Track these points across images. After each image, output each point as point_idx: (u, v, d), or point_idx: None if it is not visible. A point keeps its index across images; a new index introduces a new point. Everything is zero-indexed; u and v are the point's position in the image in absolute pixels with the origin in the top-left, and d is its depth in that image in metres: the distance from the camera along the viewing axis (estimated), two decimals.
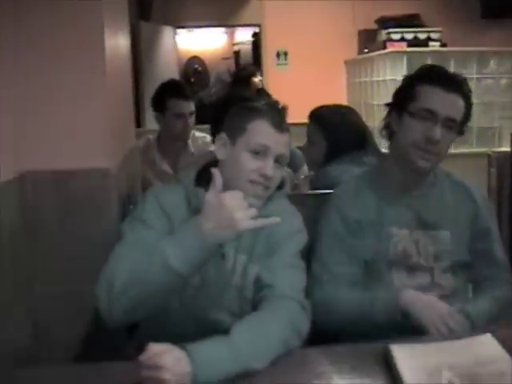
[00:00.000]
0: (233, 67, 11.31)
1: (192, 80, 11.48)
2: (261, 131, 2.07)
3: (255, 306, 2.03)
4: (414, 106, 2.26)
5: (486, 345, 1.82)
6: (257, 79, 6.21)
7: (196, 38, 11.68)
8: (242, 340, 1.78)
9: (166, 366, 1.63)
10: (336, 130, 3.14)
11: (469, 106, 2.30)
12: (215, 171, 1.89)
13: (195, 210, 2.01)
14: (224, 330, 1.80)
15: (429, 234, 2.36)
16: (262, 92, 5.96)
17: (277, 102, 2.22)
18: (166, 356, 1.66)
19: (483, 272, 2.42)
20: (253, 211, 1.84)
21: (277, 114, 2.12)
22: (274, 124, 2.08)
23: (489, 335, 1.86)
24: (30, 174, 2.65)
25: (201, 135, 4.28)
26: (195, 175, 2.18)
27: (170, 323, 2.10)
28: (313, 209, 2.52)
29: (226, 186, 1.93)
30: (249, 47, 10.82)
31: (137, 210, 2.15)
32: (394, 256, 2.32)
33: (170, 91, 4.11)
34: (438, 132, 2.22)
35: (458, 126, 2.28)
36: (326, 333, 2.20)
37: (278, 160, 2.08)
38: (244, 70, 6.46)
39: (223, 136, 2.13)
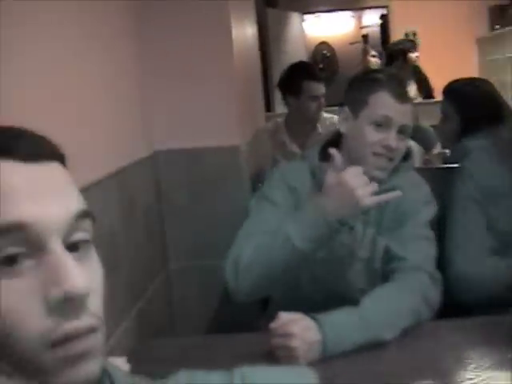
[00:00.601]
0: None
1: (321, 66, 11.46)
2: (382, 103, 2.05)
3: (385, 278, 2.02)
4: None
5: None
6: (413, 55, 6.02)
7: (323, 24, 11.65)
8: (372, 310, 1.78)
9: (295, 334, 1.66)
10: (470, 103, 2.95)
11: None
12: (334, 151, 1.89)
13: (320, 183, 2.02)
14: (352, 303, 1.81)
15: None
16: (417, 69, 5.83)
17: (398, 73, 2.19)
18: (296, 324, 1.69)
19: None
20: (374, 187, 1.84)
21: (397, 84, 2.09)
22: (396, 95, 2.04)
23: None
24: (163, 152, 2.74)
25: (328, 116, 4.25)
26: (320, 150, 2.19)
27: (299, 296, 2.12)
28: (444, 183, 2.47)
29: (351, 159, 1.96)
30: (377, 30, 10.71)
31: (264, 188, 2.19)
32: None
33: (303, 73, 4.09)
34: None
35: None
36: (458, 306, 2.16)
37: (401, 131, 2.06)
38: (398, 44, 6.25)
39: (345, 110, 2.12)
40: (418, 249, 2.03)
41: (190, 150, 2.75)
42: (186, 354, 1.87)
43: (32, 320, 0.68)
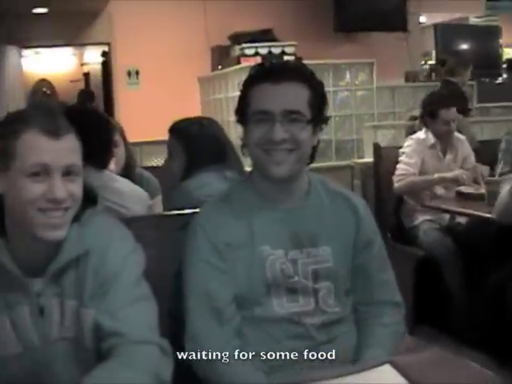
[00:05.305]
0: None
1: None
2: (32, 147, 1.64)
3: (102, 356, 1.67)
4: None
5: (386, 374, 1.63)
6: None
7: (43, 60, 11.32)
8: None
9: None
10: (195, 142, 2.95)
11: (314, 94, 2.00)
12: None
13: None
14: None
15: (307, 251, 2.00)
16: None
17: (46, 104, 1.87)
18: None
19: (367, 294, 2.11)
20: None
21: (46, 116, 1.70)
22: (47, 131, 1.65)
23: (387, 365, 1.65)
24: None
25: None
26: None
27: None
28: (171, 230, 2.24)
29: (15, 222, 1.67)
30: (99, 67, 10.48)
31: None
32: (271, 278, 1.96)
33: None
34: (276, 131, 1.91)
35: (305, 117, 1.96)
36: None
37: (68, 172, 1.67)
38: None
39: None
40: (134, 317, 1.70)
41: None
42: None
43: None
